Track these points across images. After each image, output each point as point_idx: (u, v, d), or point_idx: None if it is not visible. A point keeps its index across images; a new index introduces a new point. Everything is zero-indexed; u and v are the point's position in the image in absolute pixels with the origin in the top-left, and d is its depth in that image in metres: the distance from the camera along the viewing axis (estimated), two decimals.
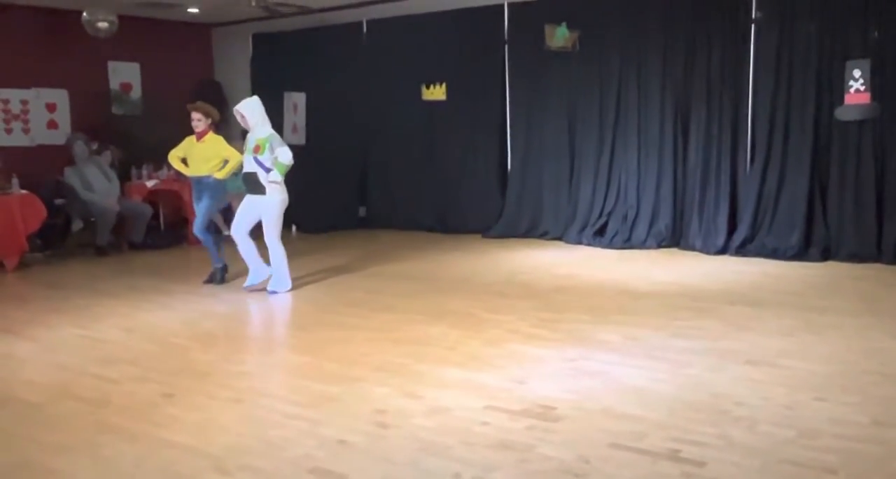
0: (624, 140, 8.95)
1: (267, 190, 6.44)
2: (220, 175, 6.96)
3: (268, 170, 6.39)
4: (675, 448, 3.31)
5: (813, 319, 5.44)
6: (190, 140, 7.08)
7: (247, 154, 6.51)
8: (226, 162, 6.96)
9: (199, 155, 7.00)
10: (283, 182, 6.48)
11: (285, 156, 6.37)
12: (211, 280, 7.15)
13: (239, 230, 6.63)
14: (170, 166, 9.46)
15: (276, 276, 6.65)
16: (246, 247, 6.67)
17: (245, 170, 6.55)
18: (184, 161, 7.12)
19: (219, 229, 9.77)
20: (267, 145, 6.37)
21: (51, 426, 3.81)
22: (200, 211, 7.07)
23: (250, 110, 6.48)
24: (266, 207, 6.51)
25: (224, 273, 7.18)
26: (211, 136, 7.00)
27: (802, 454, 3.25)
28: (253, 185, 6.49)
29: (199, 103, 7.13)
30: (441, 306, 6.11)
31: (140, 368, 4.73)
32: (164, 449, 3.48)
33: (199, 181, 7.07)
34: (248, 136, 6.58)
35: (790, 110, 7.91)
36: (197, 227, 7.09)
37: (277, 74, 11.27)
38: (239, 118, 6.56)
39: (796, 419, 3.61)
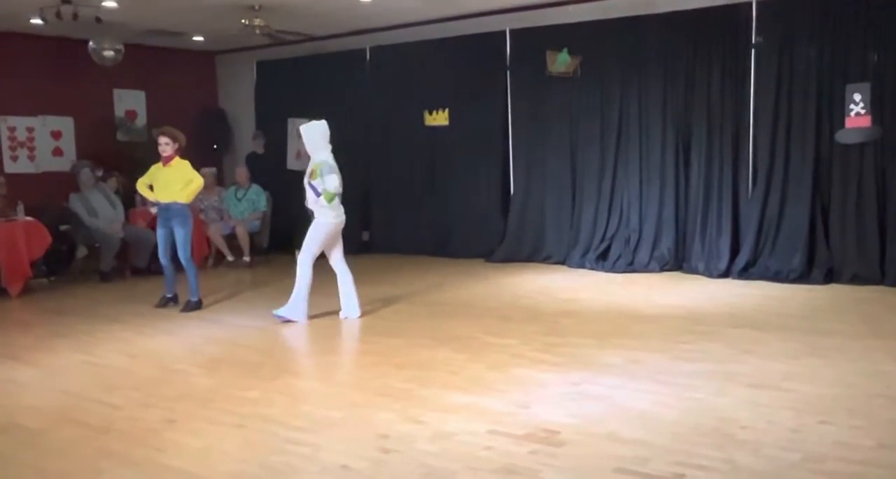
0: (625, 164, 8.99)
1: (316, 213, 6.40)
2: (183, 198, 6.95)
3: (319, 195, 6.32)
4: (680, 472, 3.29)
5: (817, 341, 5.43)
6: (157, 166, 7.10)
7: (306, 179, 6.46)
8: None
9: (166, 180, 6.99)
10: (336, 206, 6.40)
11: (330, 183, 6.28)
12: (163, 305, 7.26)
13: (331, 261, 6.58)
14: None
15: (292, 302, 6.48)
16: (343, 278, 6.58)
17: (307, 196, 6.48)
18: (151, 187, 7.15)
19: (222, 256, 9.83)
20: (319, 171, 6.31)
21: (52, 453, 3.79)
22: (179, 239, 7.02)
23: (307, 134, 6.43)
24: (311, 227, 6.45)
25: (172, 303, 7.27)
26: (177, 160, 7.01)
27: (808, 478, 3.22)
28: (310, 209, 6.47)
29: (166, 128, 7.13)
30: (444, 331, 6.10)
31: (142, 393, 4.72)
32: (166, 476, 3.46)
33: (168, 208, 7.03)
34: (310, 161, 6.51)
35: (791, 134, 7.95)
36: (182, 255, 7.07)
37: (281, 101, 11.38)
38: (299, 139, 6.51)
39: (801, 443, 3.59)
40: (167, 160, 7.01)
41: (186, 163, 7.06)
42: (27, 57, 10.10)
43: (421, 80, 10.25)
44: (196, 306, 7.17)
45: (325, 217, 6.40)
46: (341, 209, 6.49)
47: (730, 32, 8.24)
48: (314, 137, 6.44)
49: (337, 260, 6.63)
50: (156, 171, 7.12)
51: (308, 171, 6.45)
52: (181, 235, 7.02)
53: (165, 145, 6.96)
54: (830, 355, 5.08)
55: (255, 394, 4.76)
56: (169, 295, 7.34)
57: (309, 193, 6.40)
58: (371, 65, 10.86)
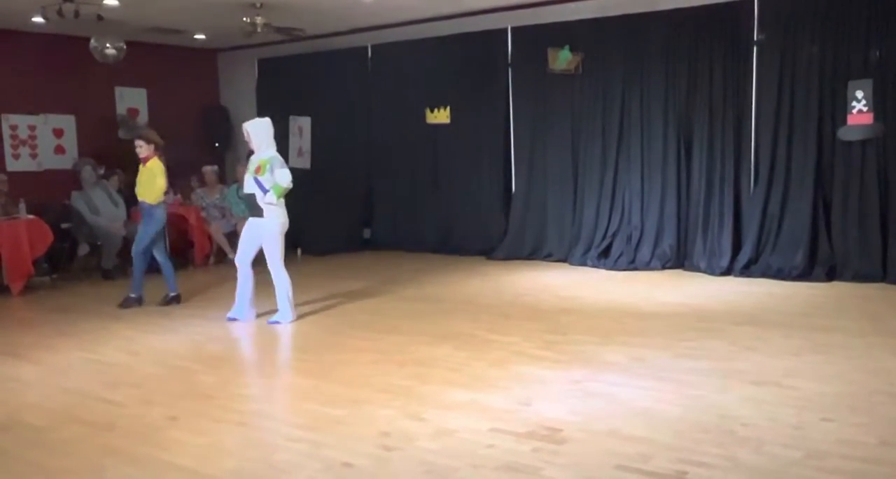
0: (627, 162, 8.98)
1: (265, 212, 6.37)
2: (150, 198, 7.13)
3: (266, 191, 6.31)
4: (682, 470, 3.29)
5: (819, 339, 5.42)
6: (140, 166, 7.30)
7: (248, 175, 6.46)
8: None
9: (141, 180, 7.22)
10: (282, 205, 6.41)
11: (283, 178, 6.31)
12: (126, 306, 7.23)
13: (242, 258, 6.52)
14: (175, 191, 9.60)
15: (280, 307, 6.48)
16: (244, 280, 6.51)
17: (245, 191, 6.51)
18: None
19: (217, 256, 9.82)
20: (268, 166, 6.32)
21: (55, 451, 3.80)
22: (139, 235, 7.25)
23: (255, 130, 6.45)
24: (265, 230, 6.41)
25: (138, 304, 7.25)
26: (152, 162, 7.16)
27: (810, 475, 3.23)
28: (253, 206, 6.45)
29: (141, 131, 7.42)
30: (446, 328, 6.10)
31: (145, 391, 4.73)
32: (169, 473, 3.47)
33: (140, 206, 7.29)
34: (252, 156, 6.54)
35: (793, 131, 7.94)
36: (134, 249, 7.27)
37: (283, 99, 11.37)
38: (245, 136, 6.54)
39: (803, 440, 3.59)
40: (144, 161, 7.20)
41: (157, 164, 7.16)
42: (29, 55, 10.09)
43: (422, 77, 10.25)
44: (133, 302, 7.24)
45: (278, 217, 6.39)
46: (285, 209, 6.48)
47: (731, 29, 8.23)
48: (260, 133, 6.45)
49: (248, 262, 6.53)
50: (139, 171, 7.31)
51: (252, 167, 6.41)
52: (140, 231, 7.20)
53: (139, 148, 7.17)
54: (832, 353, 5.08)
55: (256, 391, 4.78)
56: (173, 293, 7.35)
57: (256, 191, 6.34)
58: (372, 62, 10.85)
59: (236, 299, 6.59)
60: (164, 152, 7.31)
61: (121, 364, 5.39)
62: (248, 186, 6.44)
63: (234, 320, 6.54)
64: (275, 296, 6.50)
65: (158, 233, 7.24)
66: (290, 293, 6.48)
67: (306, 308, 6.97)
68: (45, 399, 4.64)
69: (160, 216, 7.21)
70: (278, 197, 6.34)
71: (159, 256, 7.30)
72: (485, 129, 9.95)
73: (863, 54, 7.54)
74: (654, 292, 7.37)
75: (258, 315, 6.63)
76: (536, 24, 9.35)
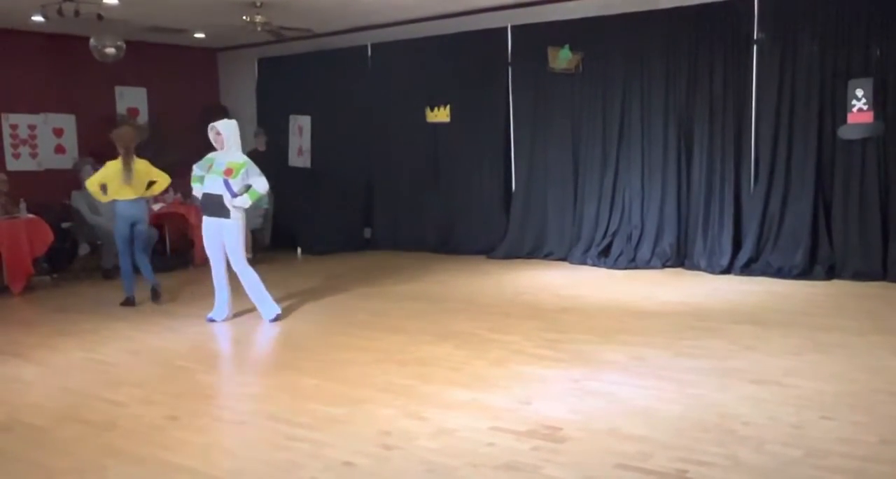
0: (628, 160, 8.98)
1: (231, 213, 6.29)
2: (97, 196, 7.26)
3: (234, 195, 6.25)
4: (682, 468, 3.30)
5: (819, 337, 5.43)
6: None
7: (214, 175, 6.30)
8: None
9: None
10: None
11: (262, 186, 6.31)
12: (124, 305, 7.29)
13: (217, 259, 6.48)
14: (175, 190, 9.60)
15: (261, 304, 6.46)
16: (224, 281, 6.51)
17: (207, 191, 6.33)
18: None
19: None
20: (242, 171, 6.25)
21: (57, 450, 3.81)
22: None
23: (228, 131, 6.36)
24: (229, 230, 6.34)
25: (130, 305, 7.28)
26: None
27: (810, 474, 3.23)
28: (215, 207, 6.30)
29: (113, 130, 7.62)
30: (446, 327, 6.10)
31: (146, 390, 4.73)
32: (171, 473, 3.47)
33: None
34: (216, 156, 6.38)
35: (793, 130, 7.94)
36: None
37: (283, 98, 11.38)
38: (213, 135, 6.37)
39: (804, 439, 3.60)
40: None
41: (108, 163, 7.24)
42: (29, 54, 10.10)
43: (422, 76, 10.25)
44: (127, 302, 7.29)
45: (241, 220, 6.39)
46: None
47: (731, 28, 8.22)
48: (232, 134, 6.39)
49: (223, 262, 6.51)
50: None
51: (220, 168, 6.29)
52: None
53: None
54: (832, 351, 5.08)
55: (257, 390, 4.78)
56: (151, 283, 7.41)
57: (224, 193, 6.24)
58: (372, 61, 10.85)
59: (216, 300, 6.56)
60: (128, 151, 7.26)
61: (122, 364, 5.40)
62: (213, 187, 6.29)
63: (213, 321, 6.53)
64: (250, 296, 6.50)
65: (127, 229, 7.23)
66: (263, 286, 6.47)
67: (307, 308, 6.98)
68: (46, 399, 4.65)
69: (120, 213, 7.23)
70: (252, 202, 6.35)
71: (136, 252, 7.34)
72: (485, 128, 9.95)
73: (863, 53, 7.54)
74: (654, 290, 7.38)
75: (236, 315, 6.65)
76: (536, 23, 9.34)
